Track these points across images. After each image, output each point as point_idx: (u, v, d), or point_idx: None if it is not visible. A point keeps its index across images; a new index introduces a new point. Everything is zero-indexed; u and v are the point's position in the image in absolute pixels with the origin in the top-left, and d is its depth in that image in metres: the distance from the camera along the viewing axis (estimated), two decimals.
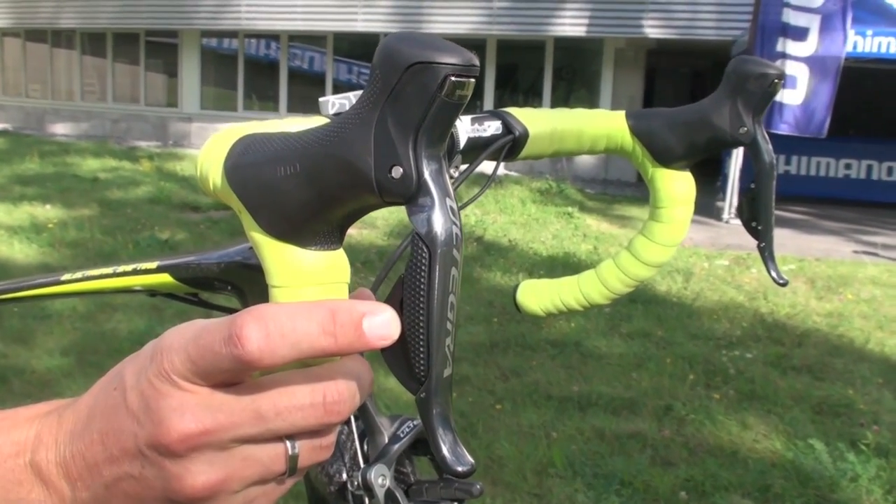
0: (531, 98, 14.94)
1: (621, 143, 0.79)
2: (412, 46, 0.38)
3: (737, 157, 9.33)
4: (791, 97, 8.77)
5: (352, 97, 0.57)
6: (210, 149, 0.44)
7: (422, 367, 0.41)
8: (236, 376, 0.38)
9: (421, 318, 0.40)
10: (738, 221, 7.68)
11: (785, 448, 3.12)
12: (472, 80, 0.39)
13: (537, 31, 13.70)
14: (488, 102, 14.55)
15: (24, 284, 1.00)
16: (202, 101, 16.87)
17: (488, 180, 0.71)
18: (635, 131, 0.78)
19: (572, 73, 15.07)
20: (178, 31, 16.45)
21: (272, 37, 16.00)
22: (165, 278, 0.82)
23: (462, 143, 0.66)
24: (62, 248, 6.18)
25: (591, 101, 14.18)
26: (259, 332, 0.36)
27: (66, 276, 0.94)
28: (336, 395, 0.39)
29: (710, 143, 0.76)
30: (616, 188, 11.71)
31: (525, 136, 0.72)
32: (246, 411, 0.38)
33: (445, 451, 0.42)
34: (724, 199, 9.49)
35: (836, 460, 2.99)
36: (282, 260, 0.42)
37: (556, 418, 3.32)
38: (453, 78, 0.38)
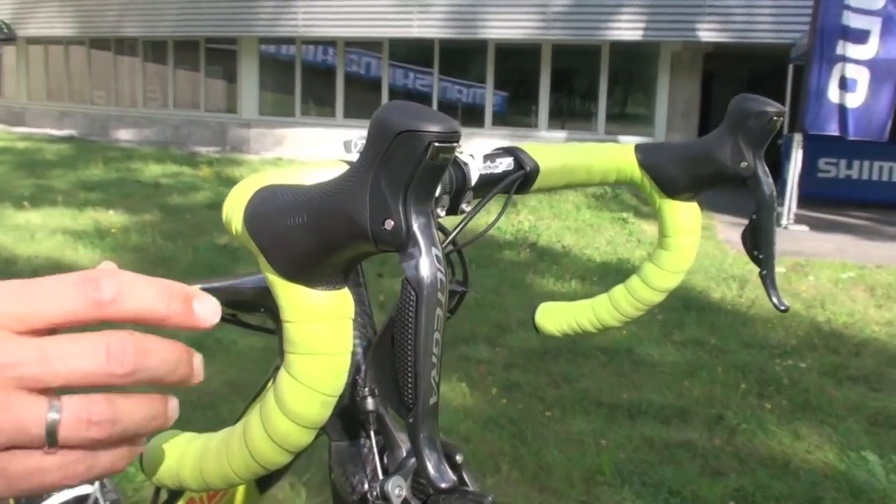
0: (587, 102, 14.90)
1: (630, 175, 0.84)
2: (401, 116, 0.44)
3: (796, 161, 9.20)
4: (852, 100, 8.64)
5: None
6: (234, 197, 0.49)
7: (410, 396, 0.46)
8: (71, 319, 0.38)
9: (409, 352, 0.46)
10: (797, 227, 7.57)
11: (838, 460, 3.09)
12: (455, 144, 0.44)
13: (593, 36, 13.66)
14: (543, 108, 14.56)
15: None
16: (260, 106, 17.13)
17: (499, 213, 0.75)
18: (643, 164, 0.83)
19: (628, 78, 14.99)
20: (236, 38, 16.72)
21: (329, 43, 16.18)
22: None
23: (474, 180, 0.71)
24: (125, 252, 6.34)
25: (648, 106, 14.10)
26: (113, 280, 0.38)
27: None
28: (120, 346, 0.37)
29: (712, 177, 0.81)
30: None
31: (536, 171, 0.77)
32: (33, 348, 0.37)
33: (430, 469, 0.47)
34: (782, 205, 9.36)
35: (889, 473, 2.95)
36: (292, 299, 0.49)
37: (605, 426, 3.34)
38: (437, 144, 0.43)
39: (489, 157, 0.75)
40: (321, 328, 0.50)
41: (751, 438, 3.28)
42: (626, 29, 13.26)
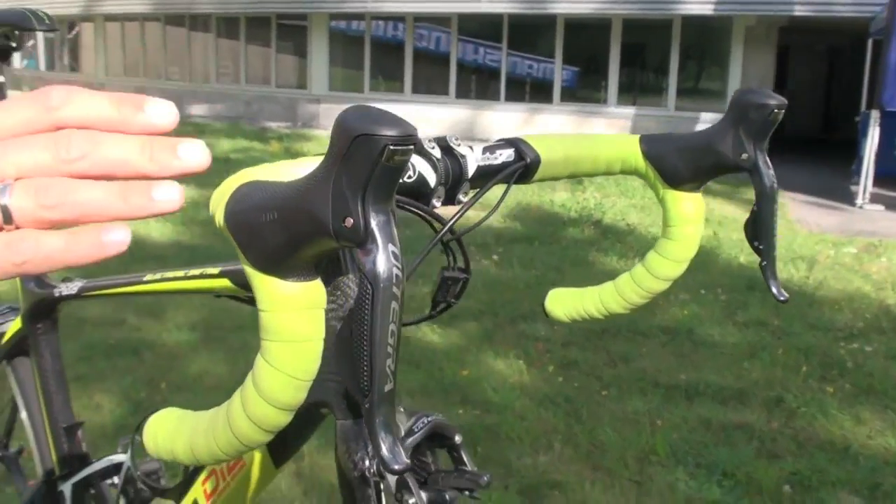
0: (657, 78, 14.67)
1: (635, 165, 0.85)
2: (359, 120, 0.46)
3: (872, 138, 8.95)
4: None
5: None
6: (219, 192, 0.53)
7: (365, 384, 0.49)
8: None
9: (365, 343, 0.49)
10: (872, 206, 7.36)
11: None
12: (411, 147, 0.46)
13: (664, 10, 13.42)
14: (613, 84, 14.38)
15: (114, 283, 1.12)
16: (330, 82, 17.26)
17: (497, 203, 0.77)
18: (647, 155, 0.84)
19: (701, 53, 14.71)
20: (307, 14, 16.85)
21: (398, 18, 16.20)
22: (226, 282, 0.93)
23: (471, 171, 0.73)
24: (194, 226, 6.49)
25: (720, 81, 13.83)
26: (63, 90, 0.39)
27: (148, 277, 1.06)
28: (67, 135, 0.38)
29: (714, 168, 0.82)
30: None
31: (537, 161, 0.79)
32: None
33: (384, 451, 0.49)
34: (858, 183, 9.12)
35: None
36: (266, 290, 0.52)
37: (661, 406, 3.32)
38: (392, 147, 0.45)
39: (489, 149, 0.77)
40: (293, 317, 0.53)
41: (810, 422, 3.23)
42: (699, 3, 12.99)
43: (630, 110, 14.21)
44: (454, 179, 0.72)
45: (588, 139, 0.85)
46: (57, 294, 1.27)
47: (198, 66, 19.56)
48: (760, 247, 0.83)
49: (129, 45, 21.08)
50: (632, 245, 6.24)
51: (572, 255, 5.88)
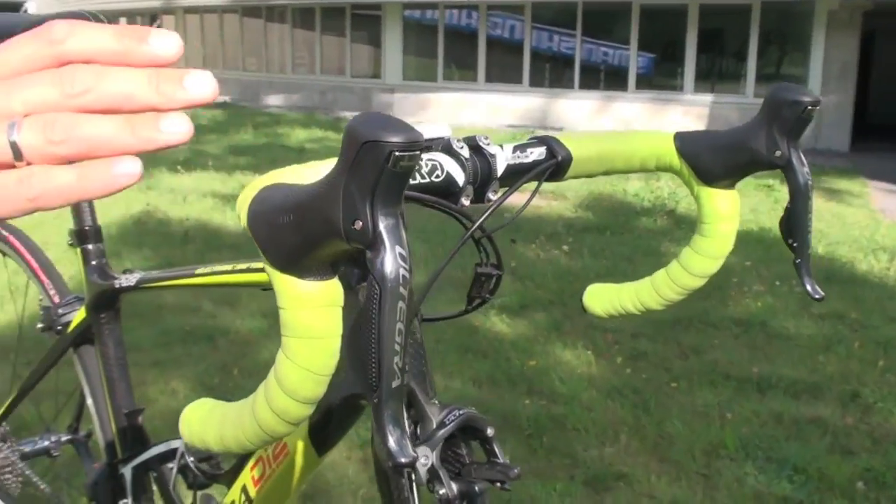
0: (736, 64, 14.38)
1: (670, 162, 0.85)
2: (367, 127, 0.48)
3: None
4: None
5: (425, 130, 0.69)
6: (244, 194, 0.55)
7: (374, 380, 0.51)
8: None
9: (373, 341, 0.50)
10: None
11: None
12: (417, 153, 0.48)
13: None
14: (689, 70, 14.14)
15: (169, 275, 1.16)
16: (404, 71, 17.33)
17: (527, 201, 0.77)
18: (682, 152, 0.84)
19: (781, 38, 14.36)
20: (381, 3, 16.94)
21: (471, 7, 16.18)
22: (264, 277, 0.95)
23: (500, 170, 0.75)
24: None
25: (802, 67, 13.48)
26: (65, 23, 0.39)
27: (199, 270, 1.10)
28: (72, 69, 0.38)
29: (748, 165, 0.81)
30: (825, 158, 11.05)
31: (568, 159, 0.80)
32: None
33: (392, 444, 0.51)
34: None
35: None
36: (285, 288, 0.54)
37: (732, 399, 3.28)
38: (397, 153, 0.47)
39: (520, 148, 0.78)
40: (310, 314, 0.55)
41: (887, 418, 3.15)
42: None
43: (707, 97, 13.96)
44: (483, 178, 0.74)
45: (622, 136, 0.86)
46: (117, 285, 1.33)
47: (274, 57, 19.85)
48: (795, 245, 0.82)
49: (208, 37, 21.49)
50: None
51: (644, 246, 5.82)
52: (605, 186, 8.13)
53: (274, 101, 18.81)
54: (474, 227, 0.73)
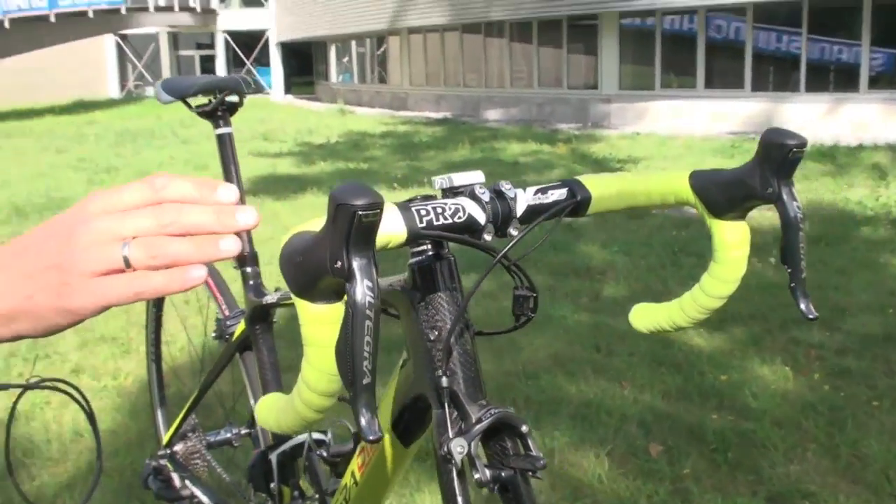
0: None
1: (686, 198, 0.95)
2: (341, 193, 0.65)
3: None
4: None
5: (453, 178, 0.88)
6: (283, 240, 0.73)
7: (349, 378, 0.67)
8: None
9: (348, 350, 0.67)
10: None
11: None
12: (378, 211, 0.65)
13: None
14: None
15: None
16: (621, 80, 17.25)
17: (544, 237, 0.92)
18: (695, 189, 0.94)
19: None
20: (597, 13, 16.96)
21: (690, 11, 15.86)
22: None
23: (520, 211, 0.88)
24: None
25: None
26: (164, 177, 0.60)
27: None
28: (164, 208, 0.58)
29: (746, 200, 0.91)
30: None
31: (588, 199, 0.92)
32: (115, 218, 0.58)
33: (363, 424, 0.67)
34: None
35: None
36: (301, 309, 0.73)
37: None
38: (360, 213, 0.64)
39: (541, 190, 0.91)
40: (319, 329, 0.74)
41: None
42: None
43: None
44: (504, 218, 0.88)
45: (642, 176, 0.97)
46: (266, 301, 1.57)
47: (493, 72, 20.32)
48: (789, 271, 0.91)
49: (430, 54, 22.32)
50: None
51: (861, 258, 5.56)
52: (826, 194, 7.79)
53: (493, 115, 19.25)
54: (497, 257, 0.88)
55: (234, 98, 1.76)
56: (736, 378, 3.56)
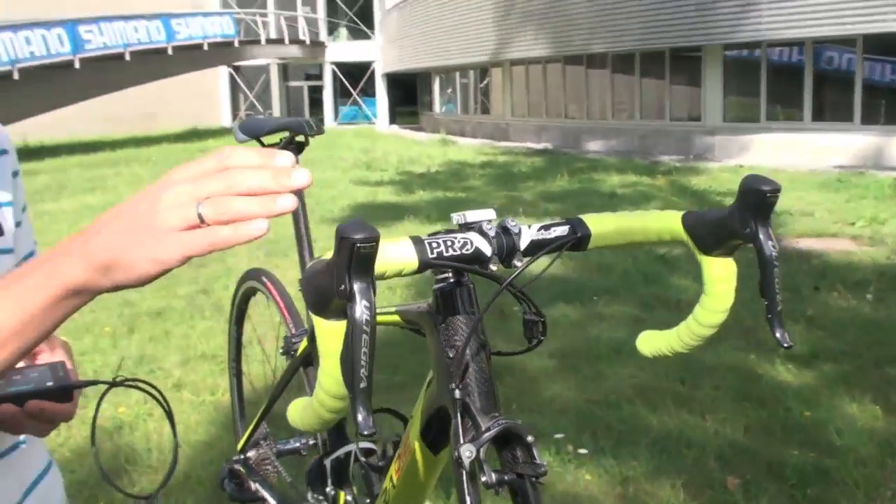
0: None
1: (678, 236, 1.03)
2: (343, 228, 0.76)
3: None
4: None
5: (467, 215, 1.00)
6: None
7: (349, 382, 0.78)
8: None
9: (348, 359, 0.77)
10: None
11: None
12: (374, 244, 0.76)
13: None
14: None
15: None
16: (724, 113, 17.03)
17: (545, 268, 1.02)
18: (686, 228, 1.02)
19: None
20: (701, 45, 16.81)
21: (797, 43, 15.58)
22: (397, 318, 1.23)
23: (524, 245, 0.98)
24: (565, 259, 6.86)
25: None
26: (231, 148, 0.70)
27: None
28: (224, 173, 0.68)
29: (729, 238, 0.98)
30: None
31: (587, 235, 1.02)
32: (191, 187, 0.68)
33: (360, 420, 0.78)
34: None
35: None
36: (317, 324, 0.85)
37: None
38: (358, 245, 0.75)
39: (545, 227, 1.01)
40: (330, 341, 0.85)
41: None
42: None
43: None
44: (508, 250, 0.98)
45: (639, 216, 1.05)
46: None
47: (595, 103, 20.32)
48: (766, 303, 0.98)
49: (533, 85, 22.48)
50: None
51: None
52: None
53: (594, 146, 19.23)
54: (503, 285, 0.99)
55: (301, 138, 1.94)
56: (822, 415, 3.52)
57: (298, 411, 1.03)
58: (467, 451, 0.95)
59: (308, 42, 31.72)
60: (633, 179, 12.42)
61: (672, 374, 4.08)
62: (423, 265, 0.93)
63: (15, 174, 1.03)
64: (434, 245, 0.95)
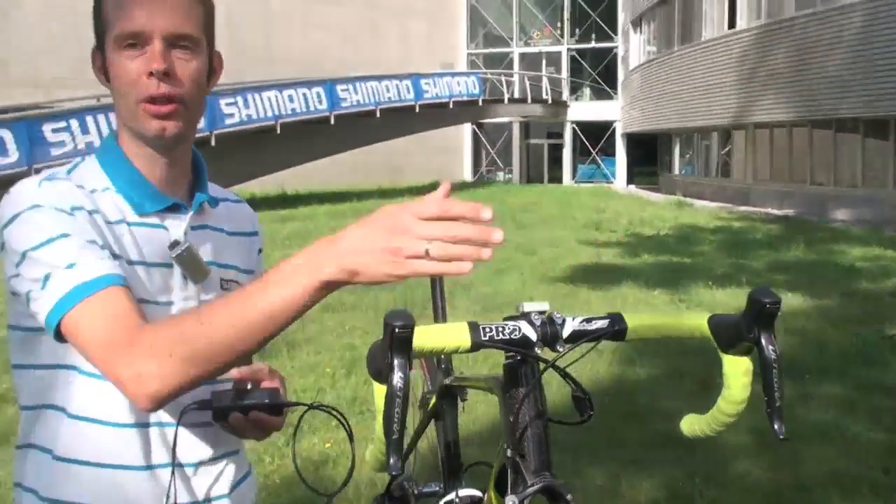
0: None
1: (704, 334, 1.19)
2: (388, 316, 0.97)
3: None
4: None
5: (524, 306, 1.21)
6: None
7: (386, 433, 0.99)
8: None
9: (385, 416, 0.99)
10: None
11: None
12: (409, 329, 0.97)
13: None
14: None
15: (465, 378, 1.70)
16: None
17: (583, 353, 1.18)
18: (710, 328, 1.18)
19: None
20: None
21: None
22: (483, 384, 1.46)
23: (566, 333, 1.16)
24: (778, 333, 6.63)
25: None
26: (445, 202, 0.93)
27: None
28: (445, 225, 0.90)
29: (739, 340, 1.14)
30: None
31: (624, 329, 1.19)
32: (417, 232, 0.92)
33: (391, 461, 0.98)
34: None
35: None
36: (375, 388, 1.05)
37: None
38: (397, 331, 0.96)
39: (587, 320, 1.18)
40: (381, 402, 1.04)
41: None
42: None
43: None
44: (552, 337, 1.17)
45: (673, 315, 1.24)
46: (447, 382, 1.86)
47: (843, 170, 19.33)
48: (766, 399, 1.12)
49: (777, 149, 21.71)
50: None
51: None
52: None
53: (840, 215, 18.26)
54: (546, 367, 1.17)
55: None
56: None
57: (368, 456, 1.29)
58: (510, 501, 1.13)
59: (550, 101, 32.34)
60: (876, 252, 11.69)
61: (875, 462, 3.92)
62: (475, 346, 1.13)
63: (259, 251, 1.38)
64: (487, 330, 1.14)
